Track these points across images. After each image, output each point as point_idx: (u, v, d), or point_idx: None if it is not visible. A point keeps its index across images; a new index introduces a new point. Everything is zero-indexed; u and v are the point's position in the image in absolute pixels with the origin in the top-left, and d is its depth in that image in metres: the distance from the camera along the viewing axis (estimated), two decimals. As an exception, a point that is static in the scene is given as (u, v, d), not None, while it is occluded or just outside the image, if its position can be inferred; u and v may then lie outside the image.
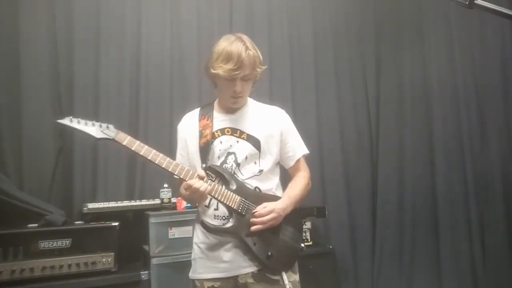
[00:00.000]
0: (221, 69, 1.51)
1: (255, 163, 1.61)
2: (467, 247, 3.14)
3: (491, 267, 3.02)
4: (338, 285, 2.99)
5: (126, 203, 2.63)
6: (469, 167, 3.17)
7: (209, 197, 1.55)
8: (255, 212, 1.53)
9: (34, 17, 2.75)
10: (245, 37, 1.59)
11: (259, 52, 1.58)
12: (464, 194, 3.19)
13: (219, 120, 1.65)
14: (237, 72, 1.51)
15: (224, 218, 1.56)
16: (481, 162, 3.13)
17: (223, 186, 1.54)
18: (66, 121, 1.48)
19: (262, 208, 1.54)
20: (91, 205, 2.50)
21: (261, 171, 1.61)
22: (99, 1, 2.95)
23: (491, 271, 3.01)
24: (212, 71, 1.55)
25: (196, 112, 1.72)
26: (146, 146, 1.49)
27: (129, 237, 2.56)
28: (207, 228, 1.54)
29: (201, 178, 1.49)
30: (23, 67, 2.69)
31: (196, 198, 1.51)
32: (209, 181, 1.52)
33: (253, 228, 1.51)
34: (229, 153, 1.60)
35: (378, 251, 3.54)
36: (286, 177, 1.76)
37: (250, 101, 1.73)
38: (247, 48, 1.53)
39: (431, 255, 3.32)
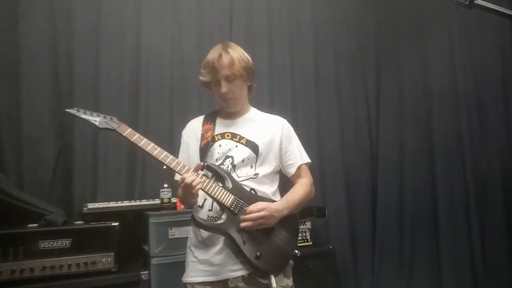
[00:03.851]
0: (201, 76, 1.65)
1: (251, 166, 1.63)
2: (467, 247, 3.14)
3: (491, 267, 3.02)
4: (338, 285, 2.99)
5: (126, 203, 2.63)
6: (469, 168, 3.17)
7: (203, 197, 1.56)
8: (247, 208, 1.53)
9: (34, 17, 2.75)
10: (230, 43, 1.68)
11: (244, 54, 1.66)
12: (464, 194, 3.19)
13: (221, 125, 1.70)
14: (213, 74, 1.60)
15: (216, 218, 1.57)
16: (481, 162, 3.13)
17: (219, 184, 1.56)
18: (73, 110, 1.54)
19: (254, 206, 1.54)
20: (91, 205, 2.50)
21: (256, 174, 1.62)
22: (99, 1, 2.95)
23: (491, 271, 3.01)
24: (201, 78, 1.66)
25: (200, 118, 1.78)
26: (146, 139, 1.54)
27: (129, 237, 2.55)
28: (198, 223, 1.55)
29: (197, 168, 1.51)
30: (23, 67, 2.68)
31: (189, 194, 1.51)
32: (204, 177, 1.53)
33: (242, 224, 1.51)
34: (227, 157, 1.62)
35: (378, 251, 3.53)
36: (286, 187, 1.75)
37: (253, 110, 1.78)
38: (225, 51, 1.61)
39: (431, 256, 3.31)
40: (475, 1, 1.02)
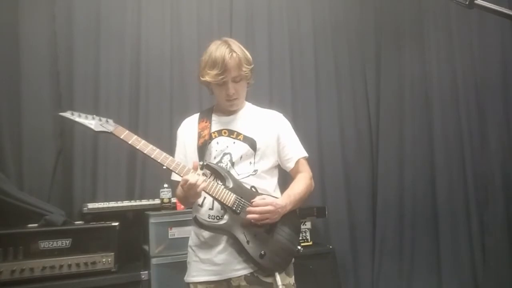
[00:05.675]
0: (208, 76, 1.57)
1: (250, 163, 1.62)
2: (467, 247, 3.14)
3: (491, 267, 3.02)
4: (338, 285, 2.98)
5: (126, 203, 2.63)
6: (469, 167, 3.17)
7: (203, 195, 1.55)
8: (253, 201, 1.52)
9: (34, 17, 2.75)
10: (231, 40, 1.64)
11: (246, 52, 1.63)
12: (464, 194, 3.19)
13: (217, 122, 1.68)
14: (223, 76, 1.56)
15: (218, 217, 1.56)
16: (481, 161, 3.14)
17: (219, 184, 1.55)
18: (67, 114, 1.54)
19: (261, 199, 1.53)
20: (91, 205, 2.50)
21: (255, 171, 1.62)
22: (99, 1, 2.95)
23: (491, 271, 3.01)
24: (202, 78, 1.61)
25: (195, 116, 1.76)
26: (143, 141, 1.52)
27: (129, 237, 2.56)
28: (200, 224, 1.53)
29: (195, 168, 1.50)
30: (23, 67, 2.68)
31: (191, 194, 1.50)
32: (205, 177, 1.52)
33: (249, 216, 1.50)
34: (225, 154, 1.62)
35: (378, 251, 3.53)
36: (286, 181, 1.75)
37: (248, 105, 1.76)
38: (231, 50, 1.57)
39: (431, 255, 3.32)
40: (475, 1, 1.02)
